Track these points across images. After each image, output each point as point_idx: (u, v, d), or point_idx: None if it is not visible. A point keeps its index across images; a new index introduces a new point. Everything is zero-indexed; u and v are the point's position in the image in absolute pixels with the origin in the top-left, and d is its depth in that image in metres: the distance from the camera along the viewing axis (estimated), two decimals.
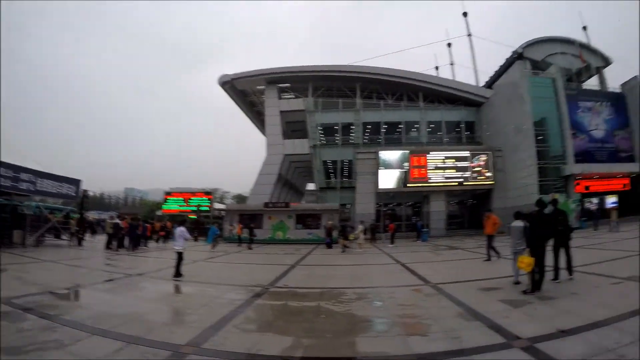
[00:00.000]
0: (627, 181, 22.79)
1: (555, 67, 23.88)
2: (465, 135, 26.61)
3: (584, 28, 28.84)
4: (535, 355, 2.97)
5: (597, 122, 23.79)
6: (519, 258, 5.37)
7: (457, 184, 23.31)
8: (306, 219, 21.81)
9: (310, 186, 38.28)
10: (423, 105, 26.68)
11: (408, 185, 23.26)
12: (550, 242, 5.92)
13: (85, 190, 19.68)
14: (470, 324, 4.00)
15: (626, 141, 24.12)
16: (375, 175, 23.29)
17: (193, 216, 27.65)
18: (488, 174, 23.22)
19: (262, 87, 28.20)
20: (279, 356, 3.24)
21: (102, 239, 16.57)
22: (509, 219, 6.46)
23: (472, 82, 29.37)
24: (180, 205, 27.80)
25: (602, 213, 20.07)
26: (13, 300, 5.04)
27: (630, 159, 23.68)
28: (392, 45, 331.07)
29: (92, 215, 33.19)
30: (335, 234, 17.10)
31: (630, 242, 11.22)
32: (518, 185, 21.85)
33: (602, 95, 25.17)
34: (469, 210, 27.14)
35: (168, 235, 18.62)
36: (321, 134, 26.92)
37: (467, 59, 31.56)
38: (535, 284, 5.20)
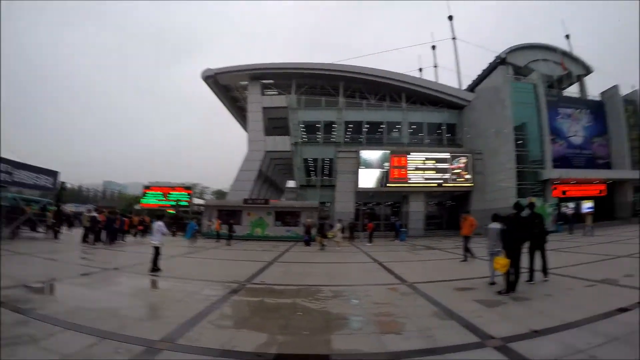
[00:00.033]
0: (603, 187, 23.06)
1: (537, 73, 24.25)
2: (446, 137, 26.75)
3: (567, 36, 29.36)
4: (508, 355, 3.01)
5: (576, 129, 24.15)
6: (495, 259, 5.42)
7: (436, 185, 23.30)
8: (285, 216, 21.58)
9: (291, 183, 38.08)
10: (405, 106, 26.74)
11: (388, 185, 23.19)
12: (526, 245, 5.99)
13: (62, 182, 19.13)
14: (445, 323, 4.04)
15: (604, 148, 24.47)
16: (356, 174, 23.21)
17: (172, 211, 27.26)
18: (467, 176, 23.26)
19: (246, 82, 28.00)
20: (254, 352, 3.23)
21: (79, 232, 16.12)
22: (487, 221, 6.49)
23: (455, 85, 29.53)
24: (159, 200, 27.52)
25: (578, 218, 20.21)
26: None
27: (607, 165, 24.05)
28: (378, 46, 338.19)
29: (69, 207, 32.28)
30: (314, 231, 16.93)
31: (604, 246, 11.48)
32: (496, 188, 21.96)
33: (582, 102, 25.60)
34: (448, 211, 27.12)
35: (146, 230, 18.42)
36: (303, 131, 26.74)
37: (451, 62, 31.78)
38: (510, 285, 5.28)
